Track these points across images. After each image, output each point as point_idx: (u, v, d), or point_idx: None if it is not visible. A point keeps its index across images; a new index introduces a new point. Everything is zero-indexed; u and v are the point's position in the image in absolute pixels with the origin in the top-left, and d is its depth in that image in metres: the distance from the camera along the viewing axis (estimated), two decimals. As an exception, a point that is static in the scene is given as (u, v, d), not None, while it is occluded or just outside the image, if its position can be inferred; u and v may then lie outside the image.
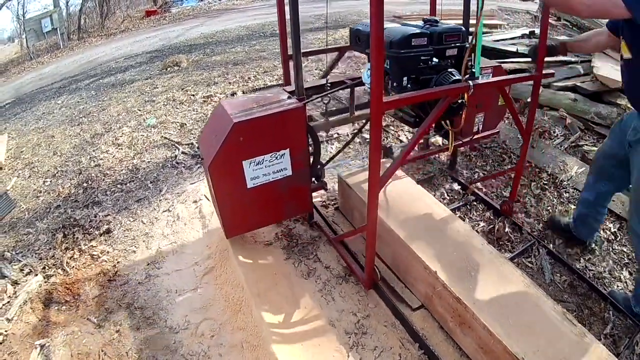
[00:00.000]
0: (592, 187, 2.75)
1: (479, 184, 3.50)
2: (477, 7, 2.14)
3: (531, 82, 2.63)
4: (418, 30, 2.32)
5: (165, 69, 7.47)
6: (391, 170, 2.14)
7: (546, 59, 2.58)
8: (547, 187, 3.53)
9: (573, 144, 4.04)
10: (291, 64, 2.52)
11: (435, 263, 2.18)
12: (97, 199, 3.55)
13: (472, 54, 2.28)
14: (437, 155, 3.87)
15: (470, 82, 2.17)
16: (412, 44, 2.29)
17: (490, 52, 5.59)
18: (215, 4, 19.60)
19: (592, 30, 2.71)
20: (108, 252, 2.95)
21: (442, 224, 2.52)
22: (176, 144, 4.30)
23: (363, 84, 2.62)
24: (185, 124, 4.76)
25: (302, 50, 2.42)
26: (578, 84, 4.67)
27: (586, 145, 4.02)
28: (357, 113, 2.72)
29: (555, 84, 4.84)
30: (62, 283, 2.72)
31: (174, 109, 5.29)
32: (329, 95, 2.54)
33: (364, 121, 2.93)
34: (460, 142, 2.88)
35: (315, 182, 2.71)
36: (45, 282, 2.77)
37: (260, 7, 16.25)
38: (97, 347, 2.29)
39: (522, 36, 7.30)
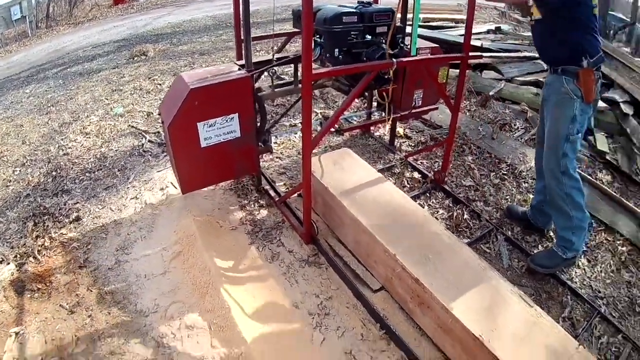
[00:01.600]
0: (542, 172, 2.89)
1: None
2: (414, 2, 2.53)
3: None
4: (349, 10, 2.73)
5: (132, 58, 7.42)
6: (322, 132, 2.56)
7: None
8: (506, 177, 3.69)
9: (533, 136, 4.22)
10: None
11: (395, 247, 2.30)
12: (66, 187, 3.54)
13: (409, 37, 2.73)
14: (381, 133, 4.24)
15: (394, 59, 2.55)
16: (343, 20, 2.69)
17: (454, 46, 5.77)
18: None
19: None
20: (78, 239, 2.96)
21: (402, 210, 2.65)
22: (143, 133, 4.31)
23: None
24: (152, 113, 4.77)
25: (254, 35, 2.87)
26: (540, 79, 4.88)
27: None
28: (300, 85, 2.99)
29: (518, 78, 5.05)
30: (34, 271, 2.73)
31: (140, 97, 5.29)
32: (274, 68, 2.85)
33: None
34: (399, 114, 3.18)
35: (262, 145, 3.00)
36: (18, 270, 2.77)
37: None
38: (70, 332, 2.33)
39: (488, 31, 7.48)
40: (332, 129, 3.65)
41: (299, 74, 2.91)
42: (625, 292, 2.75)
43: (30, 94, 6.60)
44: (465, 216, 3.19)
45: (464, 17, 9.40)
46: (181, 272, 2.62)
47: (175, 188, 3.36)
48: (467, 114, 4.41)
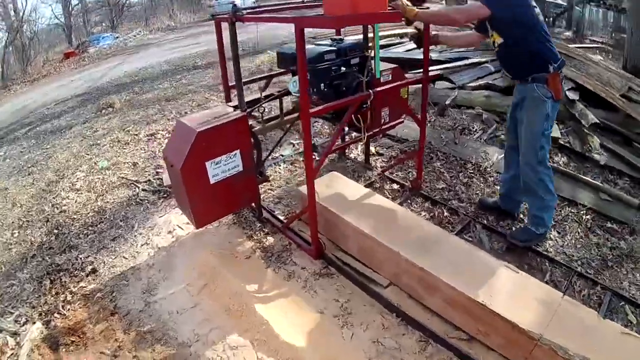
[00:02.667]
0: (510, 163, 3.35)
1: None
2: (374, 29, 3.11)
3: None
4: (328, 48, 3.13)
5: (100, 111, 7.53)
6: (322, 160, 2.99)
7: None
8: (473, 175, 4.14)
9: (491, 135, 4.73)
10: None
11: (396, 245, 2.71)
12: (72, 243, 3.71)
13: (373, 61, 3.17)
14: (355, 154, 4.64)
15: (371, 91, 3.00)
16: (325, 58, 3.07)
17: (405, 62, 6.21)
18: (131, 40, 19.55)
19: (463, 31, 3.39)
20: (100, 289, 3.15)
21: (394, 215, 3.09)
22: (135, 183, 4.52)
23: (289, 94, 3.34)
24: (138, 163, 4.98)
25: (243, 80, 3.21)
26: (490, 82, 5.39)
27: (503, 135, 4.69)
28: (285, 118, 3.42)
29: (469, 84, 5.52)
30: (64, 325, 2.89)
31: (121, 149, 5.47)
32: (263, 105, 3.25)
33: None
34: (372, 132, 3.48)
35: (260, 176, 3.35)
36: (46, 327, 2.91)
37: (175, 40, 16.57)
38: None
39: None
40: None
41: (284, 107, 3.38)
42: (595, 252, 3.25)
43: (5, 157, 6.62)
44: (445, 214, 3.61)
45: (408, 30, 10.01)
46: (211, 302, 2.88)
47: (182, 229, 3.63)
48: (429, 124, 4.84)
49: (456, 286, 2.40)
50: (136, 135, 5.87)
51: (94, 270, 3.36)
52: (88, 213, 4.14)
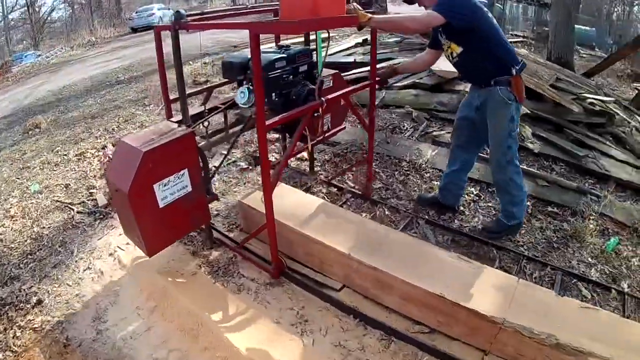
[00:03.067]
0: (456, 160, 3.51)
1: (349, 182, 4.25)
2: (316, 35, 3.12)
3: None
4: (279, 55, 2.98)
5: (27, 133, 7.23)
6: (278, 173, 2.87)
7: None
8: (409, 172, 4.33)
9: (423, 133, 4.93)
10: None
11: (345, 247, 2.80)
12: (13, 274, 3.53)
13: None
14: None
15: (322, 98, 2.91)
16: (276, 66, 2.94)
17: (330, 66, 6.35)
18: (53, 57, 18.85)
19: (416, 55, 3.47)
20: (48, 320, 3.03)
21: (337, 218, 3.17)
22: (69, 206, 4.37)
23: (233, 106, 3.24)
24: (70, 184, 4.82)
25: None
26: (417, 81, 5.61)
27: (434, 131, 4.92)
28: (230, 131, 3.33)
29: (396, 84, 5.72)
30: (17, 364, 2.77)
31: (52, 171, 5.26)
32: (209, 119, 3.08)
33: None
34: (315, 140, 3.46)
35: (207, 195, 3.15)
36: None
37: (97, 56, 16.04)
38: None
39: (356, 45, 8.13)
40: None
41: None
42: (540, 235, 3.52)
43: None
44: (387, 212, 3.75)
45: (329, 34, 10.18)
46: (165, 323, 2.85)
47: (123, 250, 3.56)
48: (359, 126, 4.96)
49: (412, 281, 2.51)
50: (65, 155, 5.68)
51: (39, 302, 3.21)
52: (25, 240, 3.95)
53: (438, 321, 2.54)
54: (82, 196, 4.55)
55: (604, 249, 3.41)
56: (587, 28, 17.19)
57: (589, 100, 5.38)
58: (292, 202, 3.34)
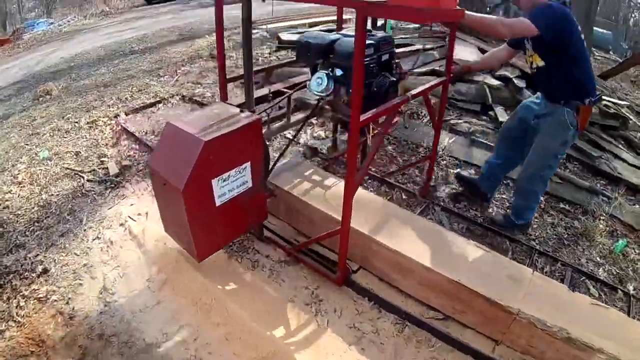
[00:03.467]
0: (500, 154, 3.43)
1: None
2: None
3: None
4: (369, 41, 2.54)
5: (37, 99, 7.08)
6: (362, 173, 2.56)
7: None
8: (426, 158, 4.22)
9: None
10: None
11: (366, 228, 2.72)
12: (18, 241, 3.45)
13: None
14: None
15: (408, 94, 2.67)
16: (366, 53, 2.44)
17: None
18: (65, 26, 18.41)
19: (489, 51, 3.31)
20: (54, 291, 2.96)
21: (358, 200, 2.98)
22: (79, 173, 4.28)
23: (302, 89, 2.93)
24: (80, 152, 4.72)
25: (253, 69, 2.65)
26: (436, 68, 5.46)
27: (452, 119, 4.85)
28: (292, 120, 2.95)
29: (415, 70, 5.59)
30: (20, 335, 2.69)
31: (62, 138, 5.15)
32: (272, 104, 2.78)
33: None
34: (373, 134, 3.19)
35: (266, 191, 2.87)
36: (1, 338, 2.70)
37: (110, 25, 15.65)
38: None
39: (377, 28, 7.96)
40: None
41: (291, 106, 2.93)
42: (551, 231, 3.46)
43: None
44: (404, 196, 3.68)
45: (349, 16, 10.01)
46: (176, 298, 2.78)
47: (135, 221, 3.47)
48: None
49: (432, 267, 2.45)
50: (76, 123, 5.54)
51: (45, 271, 3.13)
52: (32, 208, 3.87)
53: (453, 308, 2.50)
54: (93, 164, 4.44)
55: (612, 249, 3.38)
56: (604, 31, 16.86)
57: (604, 102, 5.25)
58: (313, 183, 3.23)
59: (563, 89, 2.80)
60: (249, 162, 2.49)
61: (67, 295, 2.92)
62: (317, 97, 2.72)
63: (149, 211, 3.54)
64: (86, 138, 5.08)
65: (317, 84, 2.62)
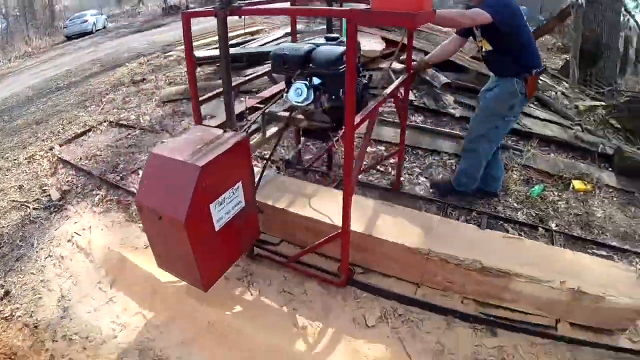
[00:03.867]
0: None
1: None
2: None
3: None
4: (343, 48, 2.57)
5: (-25, 144, 7.22)
6: (355, 178, 2.60)
7: None
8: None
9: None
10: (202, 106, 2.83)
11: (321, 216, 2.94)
12: (-21, 272, 3.76)
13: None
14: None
15: (384, 93, 2.80)
16: (343, 60, 2.47)
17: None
18: None
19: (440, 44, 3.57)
20: (17, 308, 3.28)
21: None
22: (24, 204, 4.58)
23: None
24: (23, 185, 5.02)
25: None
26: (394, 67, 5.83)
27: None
28: (267, 134, 2.91)
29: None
30: (-6, 354, 2.99)
31: (4, 176, 5.44)
32: (249, 120, 2.81)
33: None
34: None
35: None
36: None
37: (34, 66, 15.76)
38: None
39: (285, 35, 8.27)
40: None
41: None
42: None
43: None
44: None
45: (258, 27, 10.47)
46: (125, 293, 3.15)
47: (80, 235, 3.83)
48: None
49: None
50: (15, 160, 5.86)
51: (7, 293, 3.45)
52: (-13, 240, 4.16)
53: (370, 260, 2.81)
54: (36, 194, 4.75)
55: (529, 195, 3.75)
56: (522, 7, 17.56)
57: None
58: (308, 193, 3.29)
59: (511, 66, 3.07)
60: (240, 182, 2.46)
61: (30, 309, 3.25)
62: (294, 107, 2.80)
63: (92, 225, 3.93)
64: (26, 172, 5.39)
65: (297, 94, 2.63)
